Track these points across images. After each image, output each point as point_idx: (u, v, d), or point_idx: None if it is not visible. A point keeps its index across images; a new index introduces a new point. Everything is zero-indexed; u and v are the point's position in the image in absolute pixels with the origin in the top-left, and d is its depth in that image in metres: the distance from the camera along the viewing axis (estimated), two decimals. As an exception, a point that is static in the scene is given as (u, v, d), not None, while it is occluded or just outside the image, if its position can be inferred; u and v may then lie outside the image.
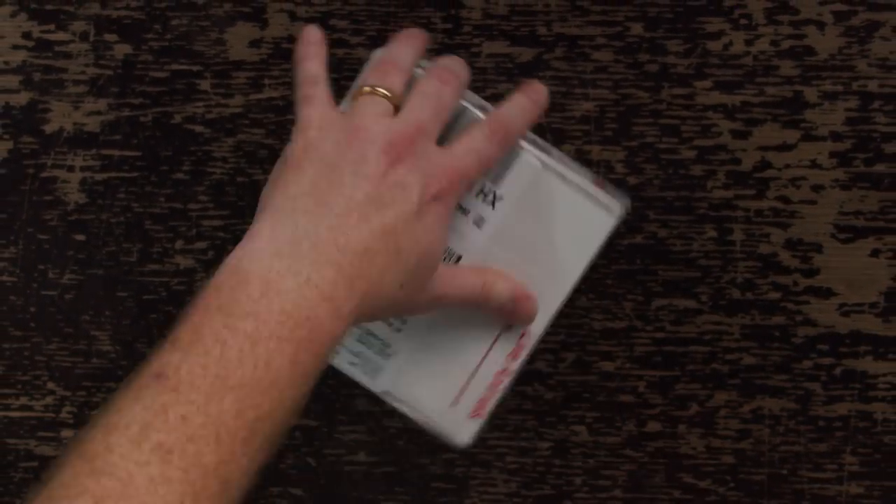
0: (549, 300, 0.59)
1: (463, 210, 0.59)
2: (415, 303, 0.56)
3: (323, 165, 0.53)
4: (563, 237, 0.59)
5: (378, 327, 0.60)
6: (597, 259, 0.59)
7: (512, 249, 0.59)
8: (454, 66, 0.57)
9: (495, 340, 0.60)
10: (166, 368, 0.46)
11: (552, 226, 0.59)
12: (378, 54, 0.59)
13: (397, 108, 0.56)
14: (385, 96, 0.55)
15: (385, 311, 0.54)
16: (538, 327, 0.59)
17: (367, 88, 0.55)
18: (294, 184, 0.53)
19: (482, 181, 0.58)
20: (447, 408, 0.60)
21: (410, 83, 0.57)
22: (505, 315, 0.58)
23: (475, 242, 0.59)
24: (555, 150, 0.59)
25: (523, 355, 0.60)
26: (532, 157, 0.58)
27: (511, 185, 0.59)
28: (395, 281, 0.53)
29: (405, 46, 0.58)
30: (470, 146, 0.56)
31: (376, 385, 0.61)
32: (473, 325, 0.60)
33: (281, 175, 0.54)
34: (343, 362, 0.60)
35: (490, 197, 0.59)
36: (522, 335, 0.59)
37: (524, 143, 0.59)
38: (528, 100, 0.58)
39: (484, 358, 0.60)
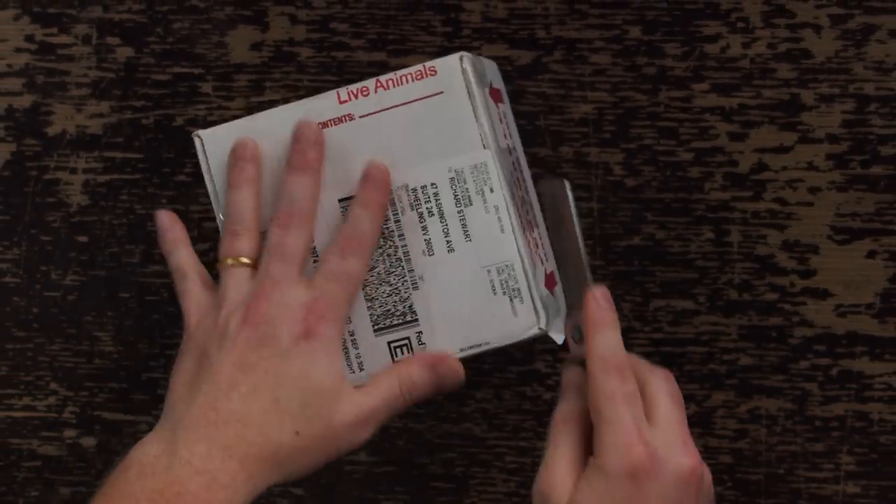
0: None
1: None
2: (331, 438, 0.56)
3: (198, 352, 0.57)
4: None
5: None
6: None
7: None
8: (296, 203, 0.57)
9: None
10: None
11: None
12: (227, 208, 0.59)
13: (255, 266, 0.58)
14: (241, 264, 0.58)
15: (298, 461, 0.56)
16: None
17: (228, 261, 0.58)
18: (176, 376, 0.57)
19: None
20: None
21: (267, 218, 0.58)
22: (437, 389, 0.58)
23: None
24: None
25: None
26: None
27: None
28: (284, 430, 0.55)
29: (241, 191, 0.58)
30: (328, 273, 0.57)
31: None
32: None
33: (172, 372, 0.58)
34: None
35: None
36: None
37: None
38: (368, 200, 0.57)
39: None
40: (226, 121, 0.66)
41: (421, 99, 0.57)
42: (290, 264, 0.57)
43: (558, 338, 0.58)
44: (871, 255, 0.65)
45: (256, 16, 0.67)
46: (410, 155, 0.58)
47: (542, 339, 0.60)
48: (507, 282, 0.57)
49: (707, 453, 0.66)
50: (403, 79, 0.57)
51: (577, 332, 0.57)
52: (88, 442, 0.70)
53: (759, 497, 0.67)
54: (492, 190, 0.57)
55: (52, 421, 0.70)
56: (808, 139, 0.65)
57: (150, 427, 0.67)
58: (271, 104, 0.66)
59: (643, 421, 0.54)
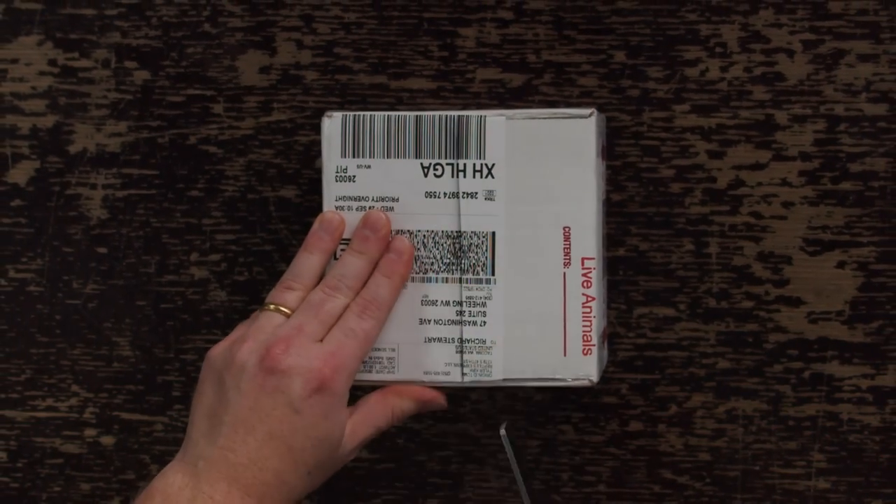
0: (585, 222, 0.59)
1: (470, 195, 0.59)
2: (334, 467, 0.59)
3: (216, 381, 0.58)
4: (562, 163, 0.59)
5: (469, 330, 0.60)
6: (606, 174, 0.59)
7: (529, 201, 0.59)
8: (346, 279, 0.59)
9: (564, 283, 0.59)
10: None
11: (547, 161, 0.59)
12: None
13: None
14: (279, 311, 0.59)
15: (307, 492, 0.58)
16: (590, 249, 0.59)
17: (271, 306, 0.59)
18: (198, 406, 0.58)
19: (472, 159, 0.59)
20: (562, 361, 0.59)
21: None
22: (420, 412, 0.61)
23: (497, 213, 0.59)
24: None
25: (595, 277, 0.59)
26: (495, 117, 0.59)
27: (494, 150, 0.59)
28: (297, 473, 0.57)
29: (312, 256, 0.60)
30: (347, 330, 0.58)
31: (494, 379, 0.60)
32: (538, 282, 0.59)
33: (193, 397, 0.59)
34: (458, 378, 0.60)
35: (485, 171, 0.60)
36: (583, 262, 0.59)
37: (485, 112, 0.60)
38: (391, 271, 0.60)
39: (564, 302, 0.59)
40: (236, 140, 0.67)
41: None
42: (320, 324, 0.58)
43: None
44: (841, 265, 0.66)
45: (265, 41, 0.67)
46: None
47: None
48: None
49: (687, 451, 0.66)
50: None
51: None
52: (107, 441, 0.70)
53: (735, 492, 0.67)
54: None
55: (74, 421, 0.70)
56: (781, 157, 0.65)
57: (166, 427, 0.68)
58: (279, 124, 0.67)
59: None
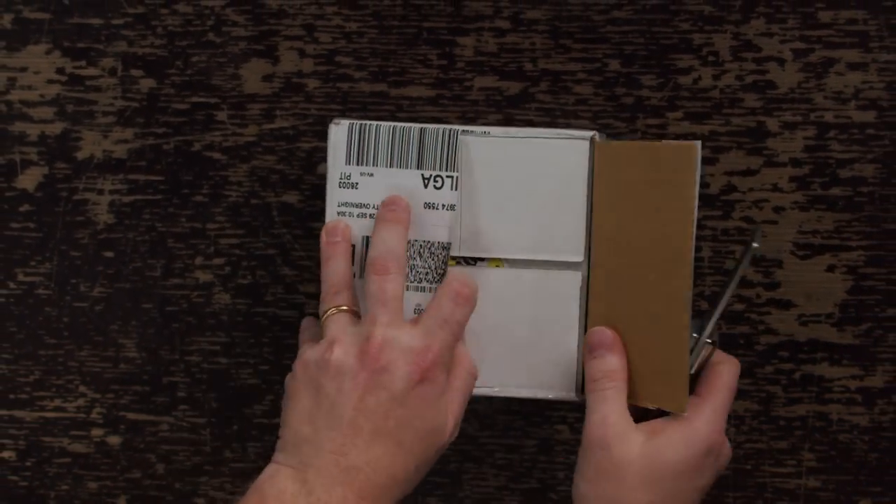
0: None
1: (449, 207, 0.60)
2: (439, 453, 0.59)
3: (313, 387, 0.57)
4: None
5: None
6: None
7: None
8: (391, 252, 0.58)
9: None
10: None
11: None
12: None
13: (356, 314, 0.59)
14: (342, 311, 0.59)
15: (414, 485, 0.58)
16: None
17: (332, 310, 0.59)
18: (294, 411, 0.57)
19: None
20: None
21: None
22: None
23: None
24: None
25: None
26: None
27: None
28: (408, 469, 0.57)
29: (335, 261, 0.60)
30: (441, 320, 0.58)
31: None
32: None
33: (285, 405, 0.58)
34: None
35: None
36: None
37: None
38: (465, 276, 0.59)
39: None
40: (239, 147, 0.67)
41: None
42: (392, 310, 0.58)
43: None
44: (831, 269, 0.66)
45: (268, 50, 0.67)
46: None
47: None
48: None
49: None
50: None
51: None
52: (114, 440, 0.70)
53: (728, 490, 0.68)
54: None
55: (81, 421, 0.70)
56: (772, 163, 0.66)
57: (171, 427, 0.69)
58: (281, 131, 0.67)
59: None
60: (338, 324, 0.58)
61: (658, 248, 0.57)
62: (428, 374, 0.56)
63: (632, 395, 0.58)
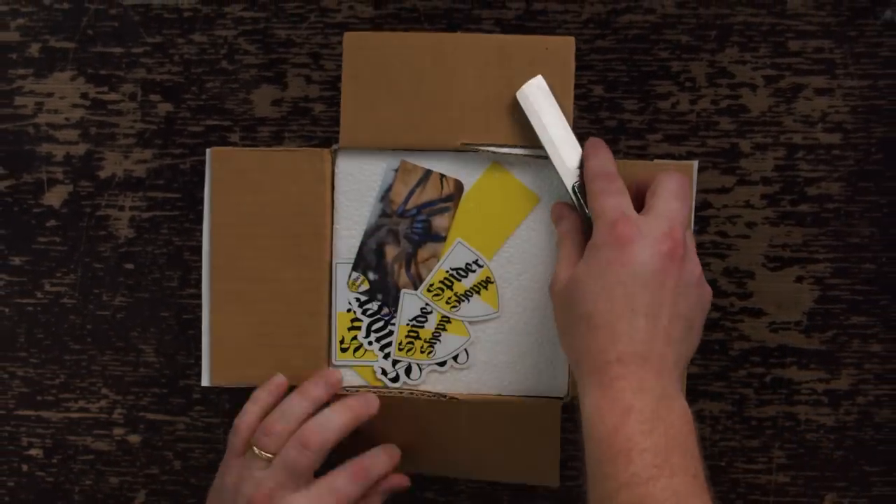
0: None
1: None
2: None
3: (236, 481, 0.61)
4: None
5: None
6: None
7: None
8: (320, 432, 0.61)
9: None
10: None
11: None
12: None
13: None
14: (263, 458, 0.62)
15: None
16: None
17: (255, 450, 0.62)
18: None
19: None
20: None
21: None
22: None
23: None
24: None
25: None
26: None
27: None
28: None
29: (301, 400, 0.63)
30: (333, 489, 0.61)
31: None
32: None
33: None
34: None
35: None
36: None
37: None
38: (386, 455, 0.63)
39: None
40: None
41: None
42: (296, 478, 0.61)
43: None
44: (799, 280, 0.67)
45: (277, 76, 0.68)
46: None
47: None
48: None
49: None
50: None
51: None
52: (134, 439, 0.71)
53: None
54: None
55: (104, 421, 0.71)
56: (745, 181, 0.67)
57: (187, 426, 0.70)
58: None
59: (630, 209, 0.57)
60: (251, 470, 0.62)
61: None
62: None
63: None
